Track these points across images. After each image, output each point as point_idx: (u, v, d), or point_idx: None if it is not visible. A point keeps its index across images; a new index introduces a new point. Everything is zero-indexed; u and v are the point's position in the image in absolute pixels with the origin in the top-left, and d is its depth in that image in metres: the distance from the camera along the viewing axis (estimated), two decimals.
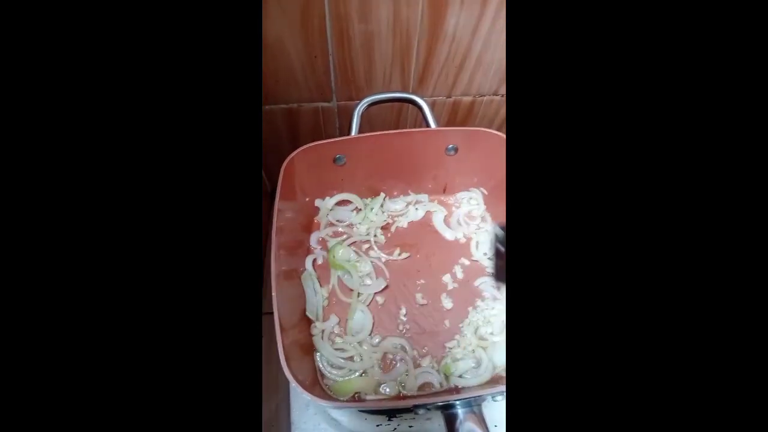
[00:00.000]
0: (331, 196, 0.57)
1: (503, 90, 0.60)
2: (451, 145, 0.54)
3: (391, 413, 0.44)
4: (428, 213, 0.59)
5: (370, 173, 0.56)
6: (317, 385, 0.43)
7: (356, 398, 0.43)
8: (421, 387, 0.45)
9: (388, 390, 0.44)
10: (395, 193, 0.60)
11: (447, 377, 0.45)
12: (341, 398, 0.43)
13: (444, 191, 0.60)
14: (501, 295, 0.51)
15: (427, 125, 0.52)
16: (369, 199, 0.59)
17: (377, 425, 0.43)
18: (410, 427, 0.43)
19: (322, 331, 0.47)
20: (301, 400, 0.44)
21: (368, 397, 0.43)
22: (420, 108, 0.52)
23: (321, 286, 0.51)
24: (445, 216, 0.59)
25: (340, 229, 0.56)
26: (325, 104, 0.57)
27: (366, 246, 0.55)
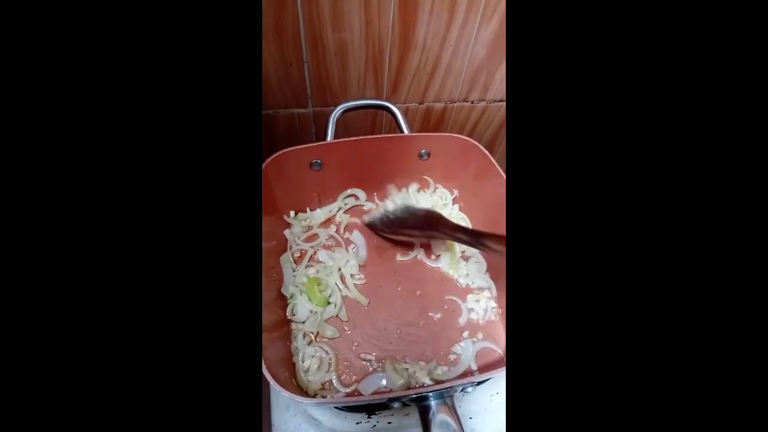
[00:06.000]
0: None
1: (473, 96, 0.62)
2: (423, 150, 0.56)
3: (370, 410, 0.45)
4: None
5: (346, 178, 0.57)
6: (295, 384, 0.44)
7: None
8: None
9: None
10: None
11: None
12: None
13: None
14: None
15: (401, 131, 0.54)
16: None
17: (357, 423, 0.44)
18: (389, 423, 0.44)
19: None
20: (281, 400, 0.45)
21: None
22: (393, 114, 0.54)
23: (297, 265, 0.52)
24: None
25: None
26: (301, 110, 0.58)
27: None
